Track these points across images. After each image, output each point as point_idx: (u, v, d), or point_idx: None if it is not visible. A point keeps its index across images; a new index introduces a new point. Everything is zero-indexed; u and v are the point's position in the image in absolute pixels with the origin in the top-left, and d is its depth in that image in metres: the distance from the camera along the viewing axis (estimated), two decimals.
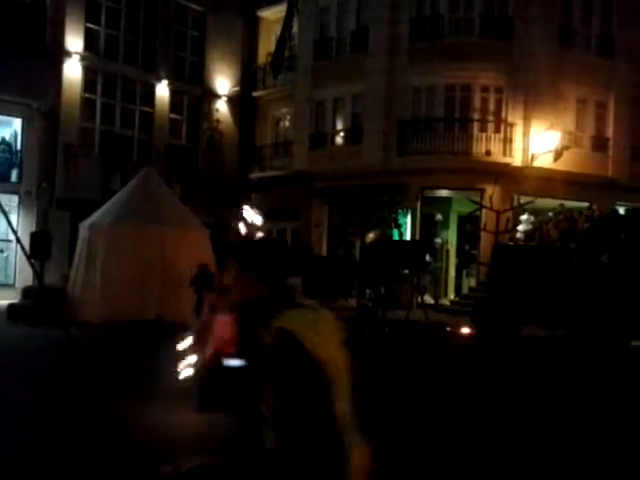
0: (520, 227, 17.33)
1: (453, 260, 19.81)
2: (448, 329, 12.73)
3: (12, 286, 17.49)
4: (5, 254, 18.62)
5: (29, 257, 11.87)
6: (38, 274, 12.83)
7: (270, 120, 24.03)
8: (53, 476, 4.35)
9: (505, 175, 17.91)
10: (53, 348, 9.59)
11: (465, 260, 19.54)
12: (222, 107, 23.09)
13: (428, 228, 19.35)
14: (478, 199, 17.21)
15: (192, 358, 6.54)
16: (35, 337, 10.87)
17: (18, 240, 11.57)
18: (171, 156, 20.67)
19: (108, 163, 19.23)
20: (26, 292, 14.37)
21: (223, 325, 5.92)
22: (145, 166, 15.78)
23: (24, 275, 16.69)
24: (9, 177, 18.61)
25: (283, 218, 22.30)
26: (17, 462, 4.46)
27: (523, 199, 17.33)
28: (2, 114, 18.58)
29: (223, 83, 23.05)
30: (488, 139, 18.26)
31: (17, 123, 18.92)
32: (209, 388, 6.05)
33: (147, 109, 21.33)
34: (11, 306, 13.47)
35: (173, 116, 22.03)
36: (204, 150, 22.41)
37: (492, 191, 16.54)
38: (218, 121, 22.79)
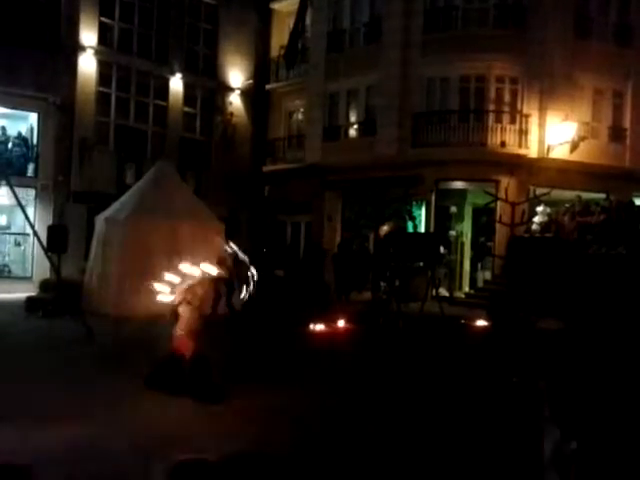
0: (536, 219, 17.18)
1: (468, 253, 19.71)
2: (463, 322, 12.71)
3: (30, 279, 17.67)
4: (23, 248, 18.81)
5: (46, 250, 12.01)
6: (55, 267, 12.97)
7: (283, 113, 24.00)
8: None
9: (520, 166, 17.79)
10: (70, 339, 9.71)
11: (480, 253, 19.43)
12: (235, 100, 23.10)
13: (443, 220, 19.26)
14: (493, 191, 17.10)
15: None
16: (52, 329, 10.98)
17: (35, 234, 11.71)
18: (185, 150, 20.73)
19: (123, 157, 19.32)
20: (43, 285, 14.51)
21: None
22: (159, 160, 15.84)
23: (41, 268, 16.86)
24: (26, 171, 18.76)
25: (296, 211, 22.33)
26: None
27: (539, 191, 17.18)
28: (18, 109, 18.73)
29: (236, 76, 23.05)
30: (503, 130, 18.12)
31: (33, 118, 19.07)
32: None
33: (161, 103, 21.40)
34: (29, 299, 13.61)
35: (187, 109, 22.08)
36: (217, 143, 22.45)
37: (507, 183, 16.42)
38: (231, 114, 22.81)
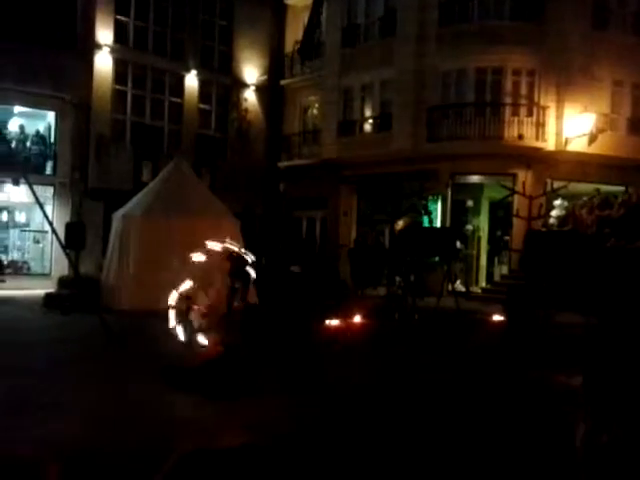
0: (553, 212, 17.00)
1: (485, 247, 19.57)
2: (479, 316, 12.63)
3: (48, 275, 17.92)
4: (41, 245, 19.06)
5: (64, 247, 12.15)
6: (73, 264, 13.12)
7: (298, 108, 23.98)
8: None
9: (538, 160, 17.60)
10: (87, 335, 9.82)
11: (497, 247, 19.29)
12: (250, 96, 23.13)
13: (459, 215, 19.14)
14: (510, 184, 16.94)
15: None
16: (70, 325, 11.13)
17: (54, 231, 11.84)
18: (201, 146, 20.82)
19: (139, 154, 19.47)
20: (62, 281, 14.70)
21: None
22: (175, 157, 15.93)
23: (60, 265, 17.08)
24: (44, 169, 18.99)
25: (312, 207, 22.34)
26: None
27: (556, 184, 16.99)
28: (36, 108, 18.96)
29: (251, 72, 23.08)
30: (520, 123, 17.93)
31: (51, 116, 19.28)
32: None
33: (177, 100, 21.50)
34: (47, 295, 13.79)
35: (202, 106, 22.16)
36: (232, 140, 22.51)
37: (525, 176, 16.26)
38: (246, 110, 22.86)
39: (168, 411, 5.86)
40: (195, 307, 7.17)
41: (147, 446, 4.56)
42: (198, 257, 7.07)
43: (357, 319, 11.80)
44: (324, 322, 11.26)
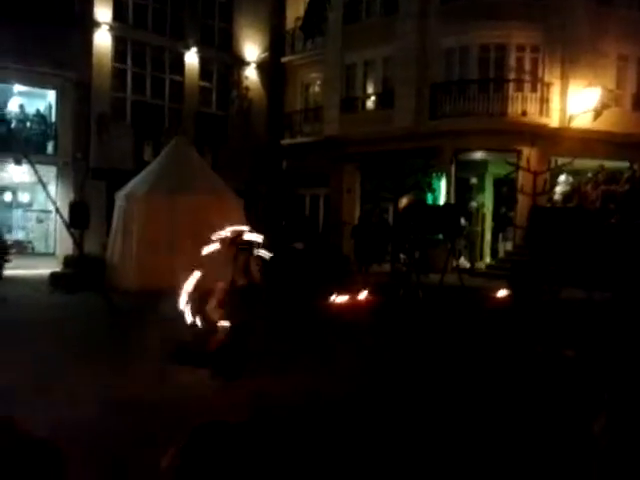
0: (558, 189, 16.96)
1: (489, 224, 19.54)
2: (483, 293, 12.65)
3: (53, 255, 17.93)
4: (45, 224, 19.05)
5: (69, 227, 12.13)
6: (78, 243, 13.11)
7: (300, 85, 23.79)
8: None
9: (542, 136, 17.48)
10: (93, 314, 9.85)
11: (501, 223, 19.26)
12: (251, 74, 22.93)
13: (463, 192, 19.08)
14: (514, 161, 16.86)
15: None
16: (77, 304, 11.15)
17: (57, 210, 11.82)
18: (202, 124, 20.69)
19: (140, 133, 19.37)
20: (67, 261, 14.68)
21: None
22: (176, 135, 15.83)
23: (64, 244, 17.05)
24: (45, 149, 18.90)
25: (315, 184, 22.26)
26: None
27: (561, 160, 16.91)
28: (36, 86, 18.80)
29: (252, 49, 22.85)
30: (524, 99, 17.79)
31: (51, 95, 19.13)
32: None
33: (177, 78, 21.32)
34: (52, 275, 13.80)
35: (203, 84, 21.98)
36: (234, 118, 22.36)
37: (529, 153, 16.16)
38: (247, 88, 22.67)
39: (180, 387, 5.91)
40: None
41: (161, 422, 4.58)
42: (211, 247, 7.05)
43: (361, 296, 11.82)
44: (328, 299, 11.29)
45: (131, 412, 5.03)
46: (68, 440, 1.48)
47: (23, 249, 18.38)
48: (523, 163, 15.72)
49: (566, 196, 16.65)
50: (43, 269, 14.92)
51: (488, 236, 19.41)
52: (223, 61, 22.40)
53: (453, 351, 7.86)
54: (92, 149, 19.17)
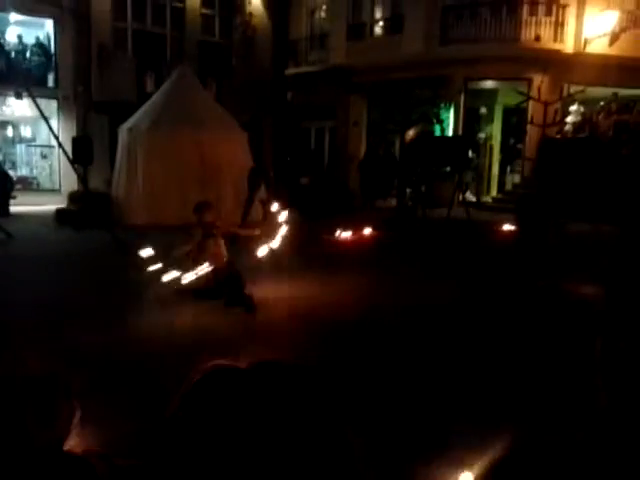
0: (569, 119, 16.52)
1: (497, 156, 19.21)
2: (489, 226, 12.58)
3: (58, 191, 17.92)
4: (49, 160, 18.93)
5: (72, 162, 12.03)
6: (82, 179, 13.06)
7: (305, 10, 22.88)
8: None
9: (555, 63, 16.87)
10: (102, 249, 9.93)
11: (509, 155, 18.92)
12: None
13: (472, 123, 18.66)
14: (525, 90, 16.37)
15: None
16: (84, 240, 11.24)
17: (60, 145, 11.67)
18: (204, 54, 20.13)
19: (142, 63, 18.90)
20: (72, 197, 14.69)
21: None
22: (179, 66, 15.43)
23: (68, 180, 17.02)
24: (46, 82, 18.51)
25: (321, 117, 21.80)
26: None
27: (573, 88, 16.39)
28: (33, 15, 18.19)
29: None
30: (538, 23, 17.06)
31: (49, 25, 18.56)
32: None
33: (178, 4, 20.57)
34: (58, 211, 13.84)
35: (205, 11, 21.21)
36: (237, 46, 21.70)
37: (540, 81, 15.65)
38: (251, 14, 21.87)
39: (190, 319, 6.10)
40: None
41: (173, 357, 4.66)
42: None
43: (367, 231, 11.81)
44: (334, 234, 11.29)
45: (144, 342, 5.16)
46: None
47: (28, 185, 18.38)
48: (534, 92, 15.25)
49: (577, 126, 16.24)
50: (49, 205, 14.96)
51: (495, 169, 19.11)
52: None
53: (453, 282, 7.88)
54: (93, 82, 18.77)
